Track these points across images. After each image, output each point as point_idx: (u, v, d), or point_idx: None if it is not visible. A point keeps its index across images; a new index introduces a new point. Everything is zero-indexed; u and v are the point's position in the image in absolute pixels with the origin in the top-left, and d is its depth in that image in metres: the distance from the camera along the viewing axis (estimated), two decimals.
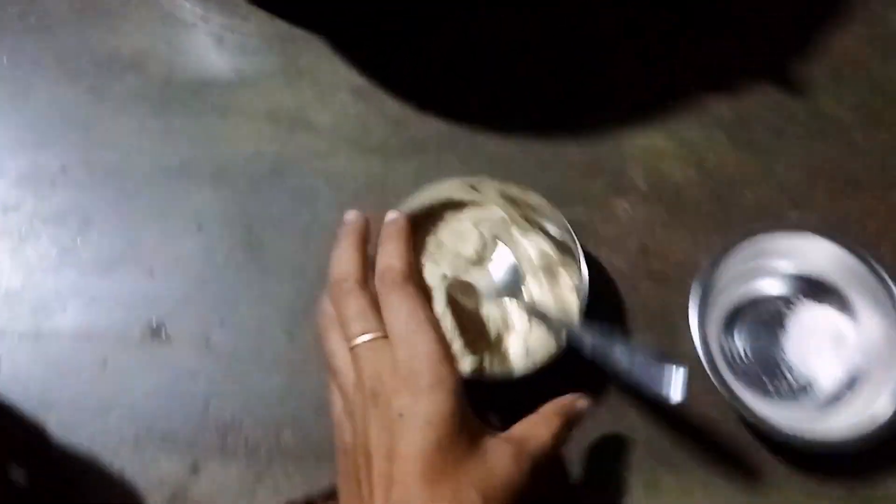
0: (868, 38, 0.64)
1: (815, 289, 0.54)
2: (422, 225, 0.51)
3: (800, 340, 0.54)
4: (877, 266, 0.51)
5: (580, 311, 0.48)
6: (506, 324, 0.49)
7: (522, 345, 0.49)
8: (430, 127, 0.59)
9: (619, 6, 0.64)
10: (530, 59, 0.62)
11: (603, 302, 0.55)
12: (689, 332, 0.50)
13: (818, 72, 0.62)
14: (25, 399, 0.51)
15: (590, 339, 0.45)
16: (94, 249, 0.55)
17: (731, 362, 0.53)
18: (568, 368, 0.47)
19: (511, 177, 0.52)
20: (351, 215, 0.47)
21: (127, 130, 0.58)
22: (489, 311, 0.50)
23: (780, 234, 0.53)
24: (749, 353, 0.54)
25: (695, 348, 0.50)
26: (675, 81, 0.62)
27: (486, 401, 0.45)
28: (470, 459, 0.39)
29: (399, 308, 0.42)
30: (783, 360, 0.54)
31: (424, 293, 0.46)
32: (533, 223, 0.52)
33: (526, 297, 0.50)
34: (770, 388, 0.53)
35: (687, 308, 0.51)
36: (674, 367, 0.41)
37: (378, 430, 0.40)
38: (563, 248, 0.51)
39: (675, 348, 0.53)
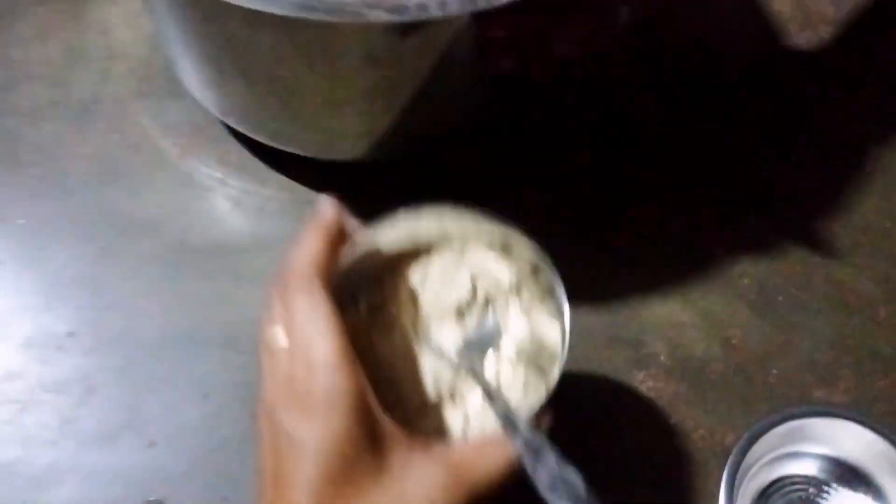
0: (888, 210, 0.64)
1: (848, 475, 0.52)
2: (421, 251, 0.46)
3: None
4: None
5: (532, 410, 0.40)
6: (452, 392, 0.42)
7: (462, 422, 0.42)
8: None
9: (636, 168, 0.64)
10: (546, 223, 0.62)
11: (627, 482, 0.52)
12: None
13: (839, 242, 0.62)
14: None
15: (523, 441, 0.37)
16: (96, 419, 0.53)
17: None
18: None
19: None
20: (325, 205, 0.41)
21: (137, 294, 0.57)
22: (442, 371, 0.43)
23: (810, 420, 0.51)
24: None
25: None
26: (694, 248, 0.61)
27: None
28: (377, 488, 0.34)
29: (296, 312, 0.37)
30: None
31: (387, 323, 0.42)
32: (541, 304, 0.45)
33: (492, 375, 0.43)
34: None
35: (711, 489, 0.48)
36: None
37: (267, 449, 0.36)
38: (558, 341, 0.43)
39: None
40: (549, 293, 0.44)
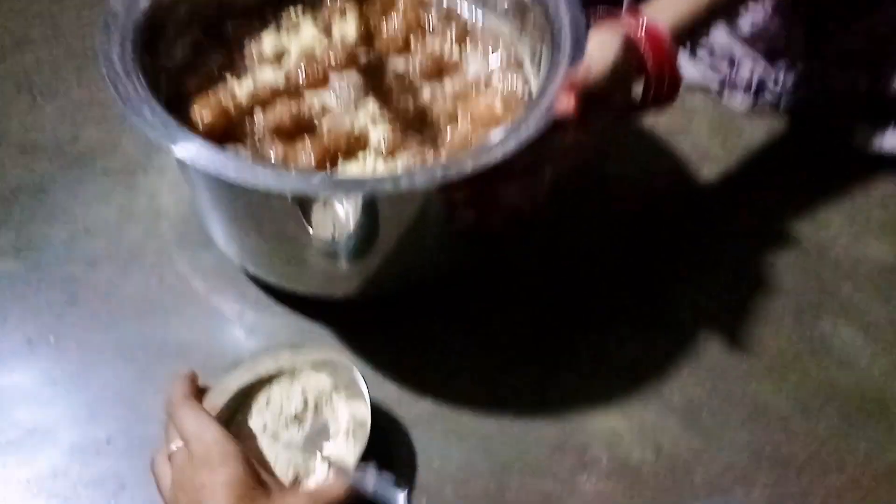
0: (799, 338, 0.75)
1: None
2: (264, 382, 0.66)
3: None
4: None
5: (358, 457, 0.61)
6: (307, 469, 0.62)
7: (315, 485, 0.60)
8: (420, 408, 0.69)
9: (581, 298, 0.76)
10: (504, 348, 0.73)
11: None
12: None
13: (757, 366, 0.73)
14: None
15: (352, 476, 0.58)
16: None
17: None
18: None
19: (493, 454, 0.64)
20: (182, 372, 0.62)
21: None
22: (294, 458, 0.62)
23: None
24: None
25: None
26: (632, 369, 0.72)
27: None
28: None
29: (185, 416, 0.56)
30: None
31: (245, 434, 0.63)
32: (353, 395, 0.65)
33: (332, 451, 0.63)
34: None
35: None
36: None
37: None
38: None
39: None
40: (357, 387, 0.64)
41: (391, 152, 0.70)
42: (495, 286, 0.78)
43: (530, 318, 0.76)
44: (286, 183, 0.58)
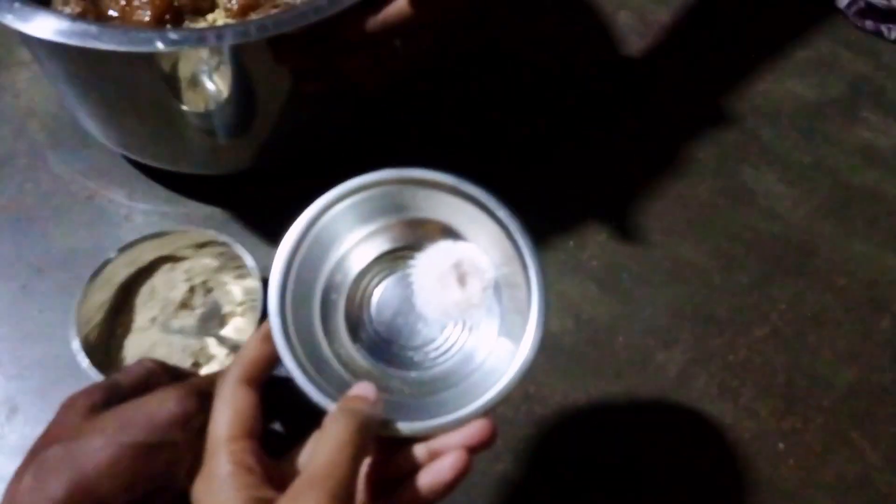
0: (720, 189, 0.72)
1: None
2: (143, 273, 0.62)
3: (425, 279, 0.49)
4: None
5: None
6: (205, 354, 0.60)
7: (218, 368, 0.58)
8: None
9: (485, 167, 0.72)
10: None
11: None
12: None
13: (677, 221, 0.70)
14: None
15: None
16: (18, 435, 0.60)
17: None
18: None
19: None
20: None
21: (54, 324, 0.64)
22: (189, 344, 0.60)
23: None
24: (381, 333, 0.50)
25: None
26: (549, 239, 0.69)
27: None
28: None
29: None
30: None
31: (134, 331, 0.60)
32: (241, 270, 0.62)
33: (231, 331, 0.61)
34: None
35: (559, 446, 0.55)
36: None
37: None
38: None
39: None
40: (244, 262, 0.59)
41: (242, 12, 0.63)
42: (394, 155, 0.73)
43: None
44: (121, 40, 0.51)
